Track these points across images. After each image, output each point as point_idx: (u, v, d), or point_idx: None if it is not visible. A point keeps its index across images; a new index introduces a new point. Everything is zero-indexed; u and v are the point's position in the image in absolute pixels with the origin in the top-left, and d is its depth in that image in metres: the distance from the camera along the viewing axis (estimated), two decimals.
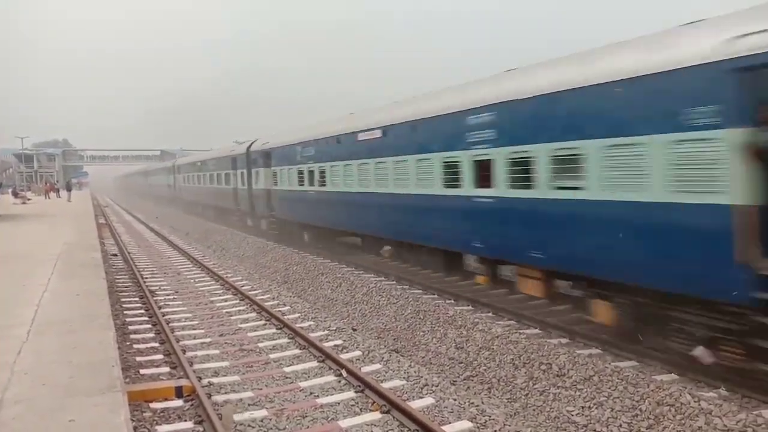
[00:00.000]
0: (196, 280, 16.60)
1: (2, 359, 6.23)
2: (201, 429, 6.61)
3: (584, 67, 8.98)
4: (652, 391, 6.83)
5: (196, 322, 11.72)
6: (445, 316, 10.74)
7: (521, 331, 9.93)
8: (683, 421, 6.24)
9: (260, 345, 10.01)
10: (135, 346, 9.92)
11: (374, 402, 7.21)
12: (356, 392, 7.61)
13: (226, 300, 13.75)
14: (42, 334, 7.23)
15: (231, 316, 12.22)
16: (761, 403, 6.74)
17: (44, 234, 20.12)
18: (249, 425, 6.71)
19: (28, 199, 45.13)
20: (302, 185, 19.84)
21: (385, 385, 7.67)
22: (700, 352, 7.39)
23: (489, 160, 10.80)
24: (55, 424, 4.64)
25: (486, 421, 6.64)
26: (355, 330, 10.93)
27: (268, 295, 14.01)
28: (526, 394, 7.74)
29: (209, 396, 7.46)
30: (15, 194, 49.23)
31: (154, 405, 7.18)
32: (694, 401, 6.42)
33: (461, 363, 9.05)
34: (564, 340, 9.43)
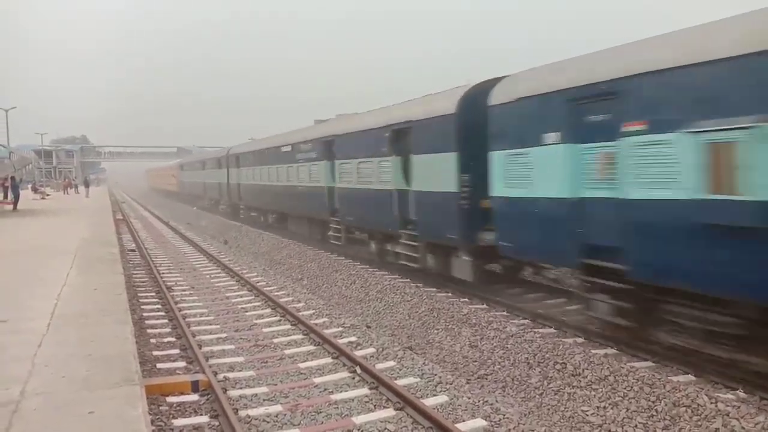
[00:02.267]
0: (212, 275, 16.73)
1: (23, 351, 6.35)
2: (217, 423, 6.67)
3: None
4: (669, 391, 6.76)
5: (212, 318, 11.82)
6: (459, 314, 10.73)
7: (536, 330, 9.89)
8: (700, 423, 6.18)
9: (275, 341, 10.07)
10: (152, 340, 10.02)
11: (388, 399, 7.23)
12: (370, 389, 7.63)
13: (241, 296, 13.85)
14: (61, 327, 7.35)
15: (246, 312, 12.31)
16: None
17: (63, 229, 20.42)
18: (264, 420, 6.76)
19: (47, 195, 45.83)
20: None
21: (399, 383, 7.68)
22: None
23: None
24: (74, 415, 4.73)
25: (500, 419, 6.63)
26: (369, 327, 10.96)
27: (283, 292, 14.09)
28: (541, 393, 7.70)
29: (225, 391, 7.53)
30: (34, 190, 49.98)
31: (170, 399, 7.25)
32: (711, 402, 6.35)
33: (475, 361, 9.03)
34: (579, 340, 9.37)
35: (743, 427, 5.92)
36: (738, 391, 7.10)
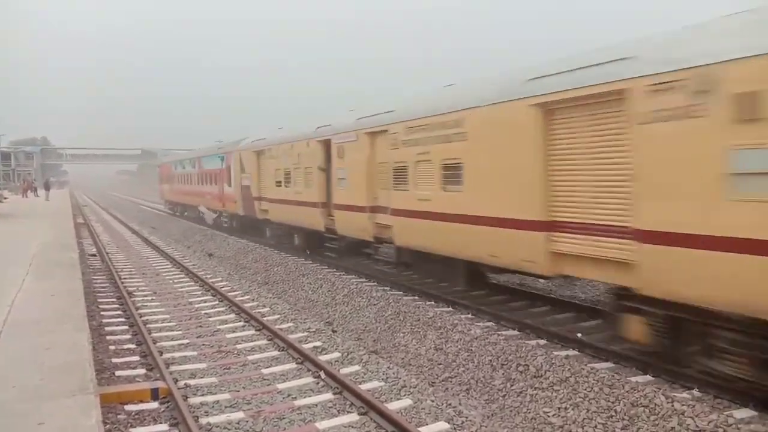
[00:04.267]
0: (175, 281, 16.44)
1: None
2: (176, 431, 6.54)
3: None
4: (627, 392, 6.90)
5: (174, 324, 11.60)
6: (425, 317, 10.76)
7: (500, 332, 9.97)
8: (657, 422, 6.32)
9: (238, 347, 9.93)
10: (111, 347, 9.78)
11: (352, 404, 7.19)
12: (334, 394, 7.59)
13: (205, 301, 13.63)
14: (14, 335, 7.12)
15: (210, 317, 12.11)
16: (732, 404, 6.84)
17: (20, 233, 19.81)
18: (225, 428, 6.66)
19: (5, 198, 44.41)
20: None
21: (363, 387, 7.66)
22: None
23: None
24: (24, 427, 4.58)
25: (463, 422, 6.67)
26: (335, 331, 10.90)
27: (248, 296, 13.92)
28: (504, 395, 7.78)
29: (185, 398, 7.39)
30: None
31: (129, 407, 7.08)
32: (668, 402, 6.50)
33: (440, 364, 9.07)
34: (542, 342, 9.49)
35: (698, 426, 6.07)
36: (693, 391, 7.29)
